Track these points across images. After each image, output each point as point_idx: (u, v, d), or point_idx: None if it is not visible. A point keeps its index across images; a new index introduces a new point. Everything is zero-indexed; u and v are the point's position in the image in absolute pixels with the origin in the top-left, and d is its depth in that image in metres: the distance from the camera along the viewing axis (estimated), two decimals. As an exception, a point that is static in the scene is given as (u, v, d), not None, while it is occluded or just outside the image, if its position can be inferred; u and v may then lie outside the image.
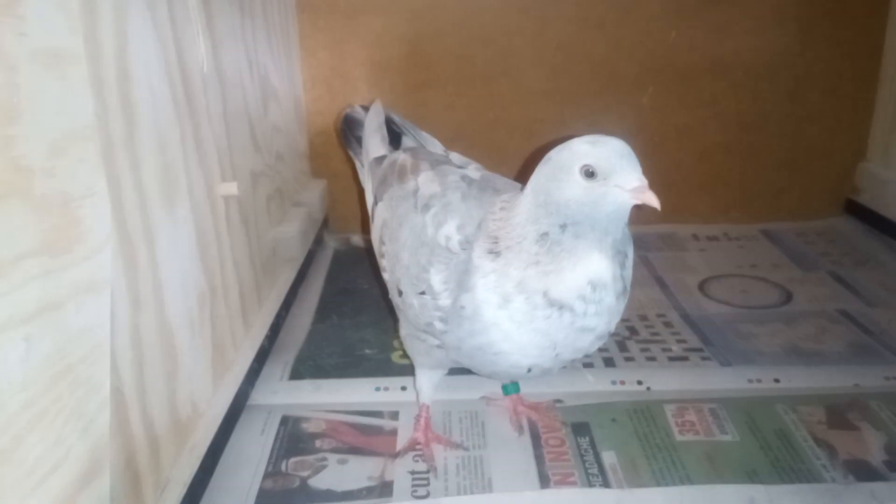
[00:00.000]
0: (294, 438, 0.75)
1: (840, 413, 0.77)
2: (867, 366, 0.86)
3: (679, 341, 0.93)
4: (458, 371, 0.86)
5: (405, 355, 0.89)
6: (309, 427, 0.77)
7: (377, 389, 0.83)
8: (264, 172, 0.96)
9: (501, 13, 1.19)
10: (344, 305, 1.04)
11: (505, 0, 1.19)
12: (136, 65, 0.58)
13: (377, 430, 0.77)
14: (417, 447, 0.73)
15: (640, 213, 1.37)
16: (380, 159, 0.84)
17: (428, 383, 0.76)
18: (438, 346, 0.69)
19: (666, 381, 0.84)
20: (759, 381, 0.83)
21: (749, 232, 1.30)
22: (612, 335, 0.94)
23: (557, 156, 0.59)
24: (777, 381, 0.84)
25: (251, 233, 0.88)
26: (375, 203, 0.79)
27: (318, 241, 1.21)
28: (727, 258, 1.19)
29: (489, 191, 0.69)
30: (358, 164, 0.93)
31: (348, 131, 0.94)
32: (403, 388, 0.83)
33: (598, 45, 1.22)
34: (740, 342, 0.92)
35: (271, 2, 1.03)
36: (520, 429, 0.76)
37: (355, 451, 0.73)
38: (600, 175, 0.56)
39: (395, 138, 0.89)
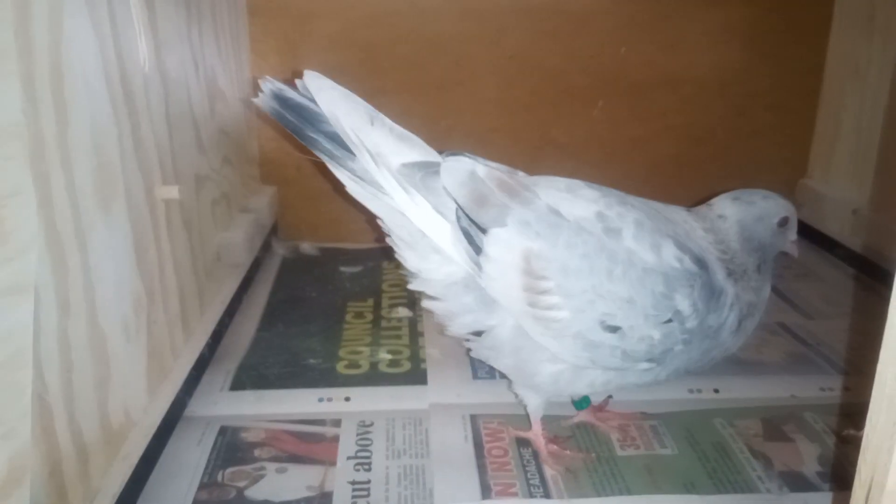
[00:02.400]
0: (232, 448, 0.73)
1: (776, 426, 0.78)
2: (804, 376, 0.88)
3: (624, 352, 0.94)
4: (404, 381, 0.86)
5: (351, 365, 0.89)
6: (248, 436, 0.75)
7: (321, 400, 0.82)
8: (209, 176, 0.94)
9: (457, 21, 1.20)
10: (291, 313, 1.02)
11: (461, 8, 1.19)
12: (71, 61, 0.56)
13: (318, 438, 0.75)
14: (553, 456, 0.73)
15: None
16: (426, 166, 0.65)
17: (538, 405, 0.74)
18: (643, 371, 0.68)
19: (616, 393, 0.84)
20: (699, 391, 0.84)
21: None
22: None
23: (764, 203, 0.72)
24: (717, 391, 0.85)
25: (194, 237, 0.86)
26: (475, 230, 0.64)
27: (266, 248, 1.19)
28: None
29: (644, 205, 0.71)
30: (347, 176, 0.67)
31: (303, 126, 0.66)
32: (347, 399, 0.82)
33: (552, 56, 1.23)
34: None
35: (220, 4, 1.01)
36: (615, 433, 0.77)
37: (295, 459, 0.72)
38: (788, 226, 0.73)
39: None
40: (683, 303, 0.64)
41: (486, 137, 1.26)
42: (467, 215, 0.64)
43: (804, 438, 0.76)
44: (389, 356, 0.91)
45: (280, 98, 0.66)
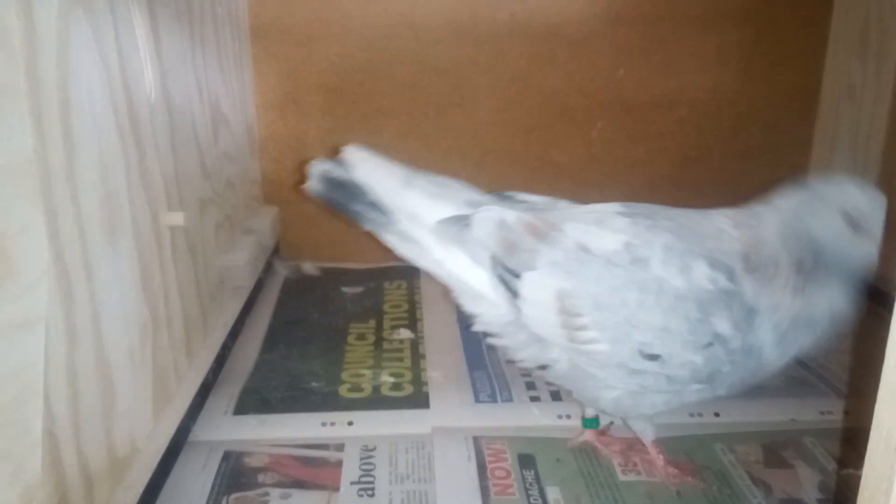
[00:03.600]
0: (236, 474, 0.73)
1: (776, 452, 0.79)
2: (803, 399, 0.89)
3: (624, 374, 0.94)
4: (407, 404, 0.86)
5: (354, 389, 0.89)
6: (251, 461, 0.75)
7: (323, 424, 0.82)
8: (213, 200, 0.94)
9: (455, 45, 1.21)
10: (292, 335, 1.03)
11: (458, 32, 1.20)
12: (79, 96, 0.57)
13: (322, 462, 0.76)
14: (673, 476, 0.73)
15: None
16: (458, 220, 0.69)
17: (647, 428, 0.75)
18: (697, 391, 0.67)
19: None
20: (700, 414, 0.85)
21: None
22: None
23: (828, 190, 0.63)
24: (717, 414, 0.85)
25: (198, 262, 0.87)
26: (509, 276, 0.67)
27: (268, 269, 1.20)
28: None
29: (674, 221, 0.67)
30: (390, 238, 0.73)
31: (347, 203, 0.72)
32: (350, 424, 0.83)
33: (550, 79, 1.24)
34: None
35: (223, 28, 1.02)
36: (617, 458, 0.77)
37: (298, 484, 0.72)
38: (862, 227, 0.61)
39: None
40: (722, 324, 0.63)
41: (484, 159, 1.27)
42: (501, 263, 0.68)
43: (804, 464, 0.77)
44: (392, 379, 0.92)
45: (326, 179, 0.73)
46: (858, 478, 0.36)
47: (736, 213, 0.68)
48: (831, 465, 0.76)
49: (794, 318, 0.63)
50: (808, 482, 0.74)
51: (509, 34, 1.21)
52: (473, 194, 0.73)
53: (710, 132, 1.30)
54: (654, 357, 0.65)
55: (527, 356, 0.73)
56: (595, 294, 0.65)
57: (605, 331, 0.65)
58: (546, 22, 1.21)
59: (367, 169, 0.72)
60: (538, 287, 0.67)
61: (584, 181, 1.29)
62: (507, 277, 0.67)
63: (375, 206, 0.71)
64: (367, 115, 1.23)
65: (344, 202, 0.72)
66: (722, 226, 0.67)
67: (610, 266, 0.65)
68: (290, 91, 1.22)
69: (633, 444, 0.79)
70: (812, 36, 1.26)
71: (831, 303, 0.63)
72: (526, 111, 1.25)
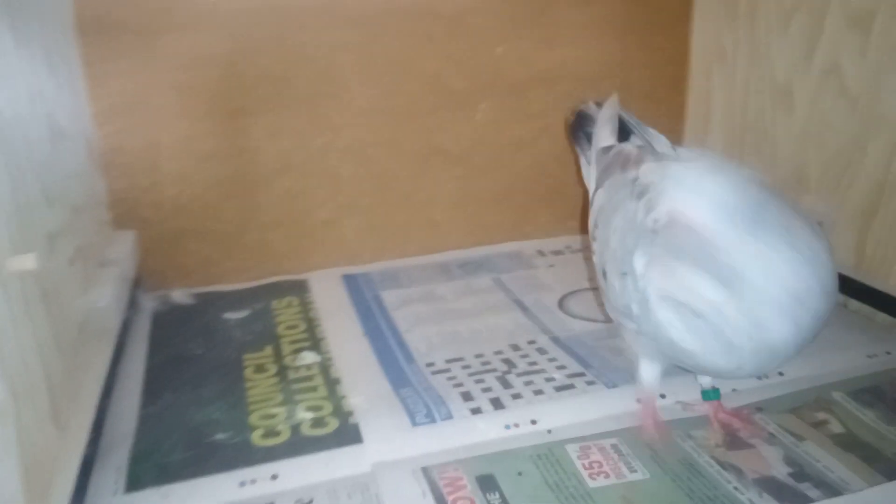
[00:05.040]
0: (147, 569, 0.59)
1: (732, 432, 0.75)
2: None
3: (559, 367, 0.88)
4: (336, 442, 0.75)
5: (268, 434, 0.77)
6: (164, 549, 0.61)
7: (242, 485, 0.69)
8: (62, 232, 0.77)
9: (324, 28, 1.09)
10: (177, 378, 0.87)
11: (328, 13, 1.08)
12: None
13: (252, 535, 0.63)
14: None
15: (484, 232, 1.33)
16: (607, 149, 0.85)
17: (648, 374, 0.77)
18: (637, 332, 0.71)
19: (560, 416, 0.78)
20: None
21: (587, 243, 1.29)
22: (491, 370, 0.88)
23: None
24: (663, 396, 0.81)
25: (54, 310, 0.70)
26: (596, 189, 0.83)
27: (133, 304, 1.02)
28: (576, 272, 1.17)
29: None
30: (583, 160, 0.94)
31: (578, 127, 0.96)
32: (274, 478, 0.70)
33: (429, 60, 1.15)
34: (617, 359, 0.89)
35: (50, 23, 0.84)
36: (718, 439, 0.74)
37: (229, 568, 0.59)
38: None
39: (624, 137, 0.87)
40: (639, 260, 0.67)
41: (367, 152, 1.16)
42: (596, 180, 0.85)
43: (762, 443, 0.73)
44: (311, 414, 0.80)
45: (580, 113, 0.97)
46: None
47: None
48: (788, 439, 0.74)
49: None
50: (773, 459, 0.71)
51: (380, 13, 1.11)
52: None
53: (593, 106, 1.26)
54: (605, 274, 0.74)
55: None
56: (608, 212, 0.76)
57: (599, 243, 0.77)
58: (418, -2, 1.12)
59: (606, 107, 0.90)
60: (596, 200, 0.82)
61: (474, 165, 1.22)
62: (595, 190, 0.84)
63: (588, 137, 0.92)
64: (231, 115, 1.08)
65: (575, 129, 0.97)
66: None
67: (626, 194, 0.73)
68: (136, 93, 1.04)
69: (740, 415, 0.77)
70: (678, 0, 1.26)
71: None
72: (406, 97, 1.16)
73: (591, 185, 0.87)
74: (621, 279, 0.69)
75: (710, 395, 0.78)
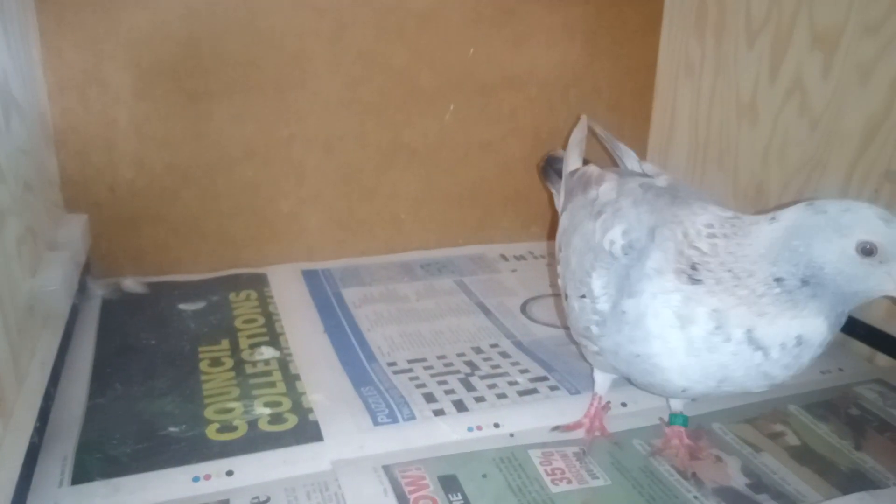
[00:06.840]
0: (94, 568, 0.56)
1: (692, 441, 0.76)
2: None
3: (522, 371, 0.88)
4: (295, 439, 0.73)
5: (224, 428, 0.74)
6: (112, 547, 0.58)
7: (196, 480, 0.66)
8: (12, 209, 0.73)
9: (293, 14, 1.06)
10: (128, 369, 0.84)
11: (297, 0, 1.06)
12: None
13: (205, 534, 0.61)
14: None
15: (447, 232, 1.32)
16: (573, 172, 0.85)
17: (602, 379, 0.77)
18: (597, 353, 0.69)
19: (523, 420, 0.78)
20: (609, 405, 0.80)
21: (550, 249, 1.30)
22: (454, 372, 0.87)
23: (840, 216, 0.55)
24: (624, 405, 0.81)
25: (2, 290, 0.66)
26: (562, 213, 0.83)
27: (82, 290, 0.97)
28: (538, 278, 1.17)
29: (665, 198, 0.68)
30: (554, 193, 0.94)
31: (548, 166, 0.97)
32: (230, 474, 0.67)
33: (399, 55, 1.13)
34: (579, 364, 0.89)
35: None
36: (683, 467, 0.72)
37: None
38: (878, 256, 0.54)
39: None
40: (596, 282, 0.66)
41: (332, 144, 1.14)
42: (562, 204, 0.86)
43: (721, 452, 0.74)
44: (269, 410, 0.77)
45: (549, 157, 0.98)
46: None
47: (728, 217, 0.62)
48: (746, 450, 0.75)
49: (749, 331, 0.58)
50: (732, 469, 0.72)
51: (353, 3, 1.09)
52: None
53: (560, 112, 1.26)
54: (567, 296, 0.73)
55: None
56: (569, 234, 0.75)
57: (562, 265, 0.76)
58: (390, -11, 1.10)
59: (575, 131, 0.91)
60: (560, 223, 0.81)
61: (439, 164, 1.21)
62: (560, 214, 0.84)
63: (559, 173, 0.91)
64: (193, 97, 1.05)
65: (546, 169, 0.98)
66: (698, 219, 0.62)
67: (585, 214, 0.73)
68: (93, 69, 0.99)
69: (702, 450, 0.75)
70: (648, 10, 1.27)
71: (809, 320, 0.57)
72: (375, 90, 1.14)
73: (560, 211, 0.87)
74: (580, 301, 0.69)
75: (678, 419, 0.76)
